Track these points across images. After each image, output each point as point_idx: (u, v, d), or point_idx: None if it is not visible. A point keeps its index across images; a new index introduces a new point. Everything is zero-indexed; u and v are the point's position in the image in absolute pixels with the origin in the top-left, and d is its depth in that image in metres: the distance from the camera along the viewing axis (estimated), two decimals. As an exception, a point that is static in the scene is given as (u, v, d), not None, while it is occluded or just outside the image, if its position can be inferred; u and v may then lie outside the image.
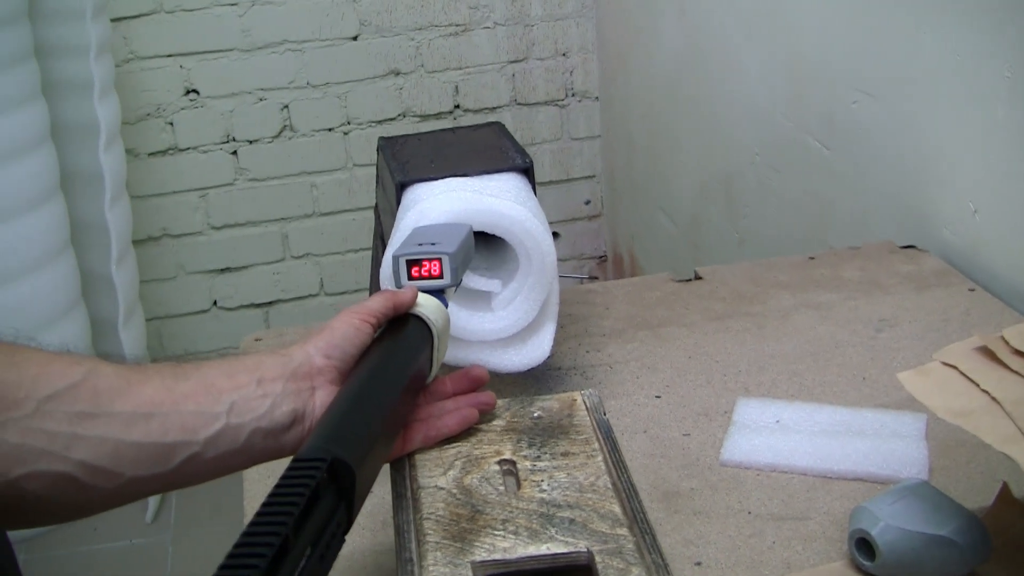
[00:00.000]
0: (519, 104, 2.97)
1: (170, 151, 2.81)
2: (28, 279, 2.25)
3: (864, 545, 0.79)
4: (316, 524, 0.60)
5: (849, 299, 1.25)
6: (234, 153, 2.85)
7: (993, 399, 0.73)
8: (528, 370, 1.04)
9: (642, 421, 1.04)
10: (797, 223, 1.81)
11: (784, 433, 0.98)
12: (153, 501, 2.49)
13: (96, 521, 2.43)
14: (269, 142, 2.86)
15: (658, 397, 1.08)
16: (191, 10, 2.70)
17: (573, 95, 2.99)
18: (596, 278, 3.15)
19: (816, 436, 0.97)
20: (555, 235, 3.02)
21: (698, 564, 0.83)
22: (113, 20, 2.59)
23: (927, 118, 1.37)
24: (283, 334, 1.24)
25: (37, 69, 2.28)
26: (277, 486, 0.61)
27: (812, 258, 1.37)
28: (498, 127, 1.26)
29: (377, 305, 0.81)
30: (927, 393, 0.76)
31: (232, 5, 2.72)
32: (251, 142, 2.85)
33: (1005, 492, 0.83)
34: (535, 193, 1.09)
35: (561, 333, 1.18)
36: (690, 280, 1.33)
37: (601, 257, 3.19)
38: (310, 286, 3.02)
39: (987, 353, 0.77)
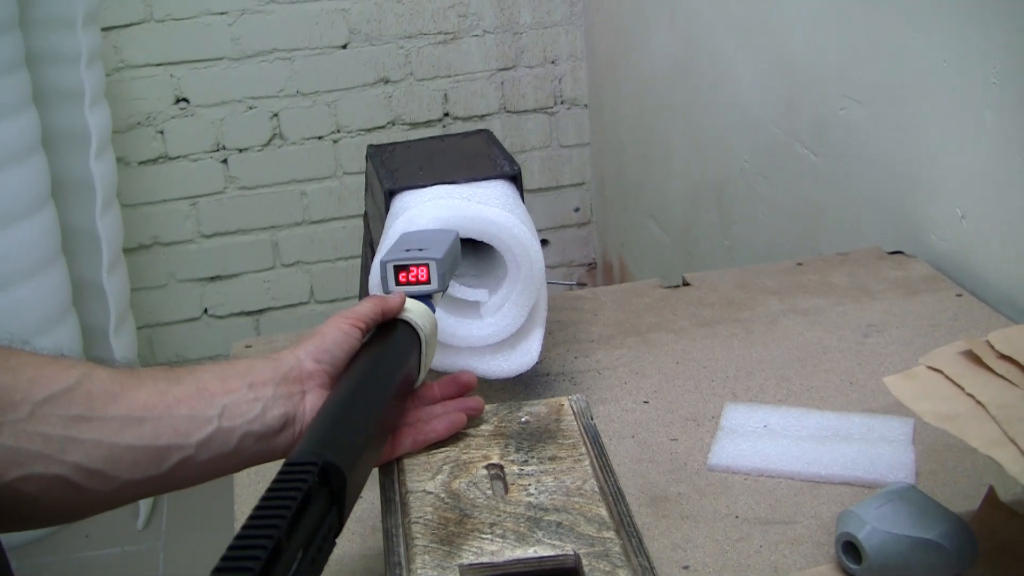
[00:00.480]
0: (508, 112, 2.97)
1: (160, 159, 2.81)
2: (19, 287, 2.25)
3: (851, 549, 0.79)
4: (308, 528, 0.61)
5: (837, 305, 1.26)
6: (224, 161, 2.85)
7: (979, 403, 0.73)
8: (516, 376, 1.05)
9: (630, 426, 1.04)
10: (787, 230, 1.81)
11: (772, 438, 0.99)
12: (144, 508, 2.49)
13: (88, 528, 2.43)
14: (259, 150, 2.86)
15: (646, 402, 1.08)
16: (181, 19, 2.70)
17: (562, 102, 3.00)
18: (585, 284, 3.15)
19: (803, 441, 0.98)
20: (544, 242, 3.02)
21: (685, 568, 0.84)
22: (104, 29, 2.59)
23: (915, 124, 1.38)
24: (273, 341, 1.25)
25: (28, 77, 2.27)
26: (269, 490, 0.61)
27: (800, 264, 1.37)
28: (486, 135, 1.26)
29: (366, 310, 0.82)
30: (913, 397, 0.77)
31: (222, 14, 2.72)
32: (241, 150, 2.85)
33: (992, 496, 0.83)
34: (523, 200, 1.09)
35: (549, 339, 1.19)
36: (678, 286, 1.33)
37: (590, 264, 3.19)
38: (300, 294, 3.02)
39: (973, 357, 0.78)
